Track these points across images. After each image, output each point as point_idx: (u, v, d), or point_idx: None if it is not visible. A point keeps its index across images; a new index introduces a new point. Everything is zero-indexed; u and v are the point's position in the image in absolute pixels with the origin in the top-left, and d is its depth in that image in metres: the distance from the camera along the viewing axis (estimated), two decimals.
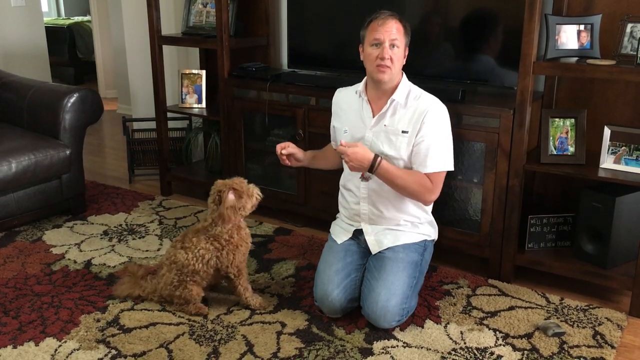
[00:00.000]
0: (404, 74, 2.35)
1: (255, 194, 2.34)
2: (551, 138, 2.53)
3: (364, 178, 2.35)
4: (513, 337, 2.24)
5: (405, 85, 2.33)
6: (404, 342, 2.20)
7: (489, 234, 2.66)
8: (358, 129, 2.37)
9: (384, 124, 2.32)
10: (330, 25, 3.19)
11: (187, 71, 3.62)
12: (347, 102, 2.45)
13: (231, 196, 2.28)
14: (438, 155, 2.25)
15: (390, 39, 2.21)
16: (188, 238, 2.36)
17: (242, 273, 2.38)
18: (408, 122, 2.28)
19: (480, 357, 2.12)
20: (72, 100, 3.25)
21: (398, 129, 2.29)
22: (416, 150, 2.27)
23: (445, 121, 2.30)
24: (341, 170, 2.52)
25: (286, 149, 2.42)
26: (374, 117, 2.34)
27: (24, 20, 4.77)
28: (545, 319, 2.35)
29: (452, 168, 2.31)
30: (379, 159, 2.20)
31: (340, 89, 2.54)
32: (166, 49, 3.81)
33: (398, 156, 2.29)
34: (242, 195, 2.30)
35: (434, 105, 2.29)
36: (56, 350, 2.14)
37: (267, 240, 3.08)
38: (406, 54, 2.31)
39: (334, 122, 2.50)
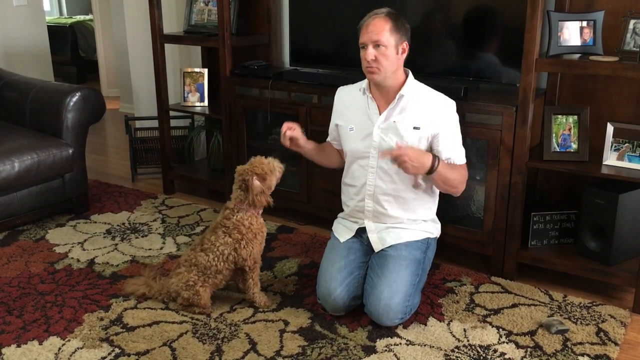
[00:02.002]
0: (409, 72, 2.35)
1: (277, 167, 2.35)
2: (554, 135, 2.52)
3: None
4: (516, 335, 2.23)
5: (412, 82, 2.33)
6: (407, 340, 2.20)
7: (492, 231, 2.66)
8: (365, 126, 2.37)
9: (392, 120, 2.31)
10: (332, 22, 3.19)
11: (189, 70, 3.63)
12: (352, 99, 2.44)
13: (257, 182, 2.29)
14: (461, 148, 2.35)
15: (372, 40, 2.20)
16: (207, 239, 2.36)
17: (257, 266, 2.38)
18: (420, 118, 2.29)
19: (484, 355, 2.12)
20: (74, 99, 3.25)
21: (409, 125, 2.29)
22: (441, 147, 2.28)
23: (457, 116, 2.35)
24: (342, 168, 2.52)
25: (292, 130, 2.37)
26: (380, 114, 2.34)
27: (26, 20, 4.77)
28: (548, 316, 2.35)
29: None
30: (437, 157, 2.23)
31: (342, 87, 2.53)
32: (168, 48, 3.81)
33: None
34: (265, 177, 2.30)
35: (447, 102, 2.33)
36: (60, 349, 2.15)
37: (270, 238, 3.07)
38: (403, 48, 2.25)
39: (338, 120, 2.49)
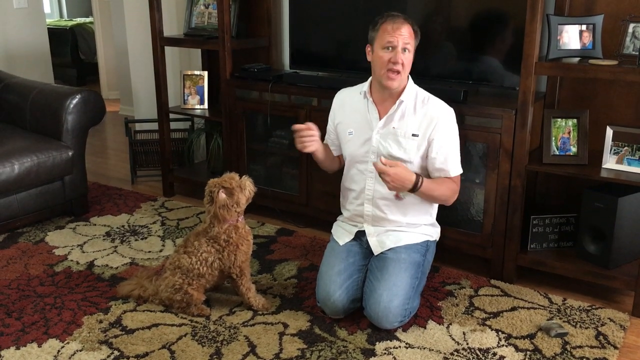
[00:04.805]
0: (409, 76, 2.35)
1: (247, 186, 2.32)
2: (553, 138, 2.53)
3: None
4: (515, 338, 2.23)
5: (412, 88, 2.33)
6: (406, 343, 2.20)
7: (492, 234, 2.66)
8: (364, 130, 2.37)
9: (392, 126, 2.31)
10: (332, 25, 3.19)
11: (189, 72, 3.63)
12: (351, 103, 2.44)
13: (222, 195, 2.26)
14: (457, 159, 2.32)
15: (404, 43, 2.21)
16: (190, 242, 2.36)
17: (245, 273, 2.37)
18: (418, 126, 2.29)
19: (483, 358, 2.12)
20: (74, 101, 3.25)
21: (408, 132, 2.29)
22: (434, 155, 2.28)
23: (455, 125, 2.34)
24: (341, 170, 2.52)
25: (312, 139, 2.33)
26: (380, 119, 2.34)
27: (27, 22, 4.78)
28: (547, 320, 2.35)
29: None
30: (420, 178, 2.21)
31: (342, 89, 2.53)
32: (168, 50, 3.81)
33: (407, 159, 2.29)
34: (233, 192, 2.28)
35: (445, 110, 2.31)
36: (59, 351, 2.15)
37: (269, 241, 3.08)
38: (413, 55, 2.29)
39: (337, 120, 2.48)
